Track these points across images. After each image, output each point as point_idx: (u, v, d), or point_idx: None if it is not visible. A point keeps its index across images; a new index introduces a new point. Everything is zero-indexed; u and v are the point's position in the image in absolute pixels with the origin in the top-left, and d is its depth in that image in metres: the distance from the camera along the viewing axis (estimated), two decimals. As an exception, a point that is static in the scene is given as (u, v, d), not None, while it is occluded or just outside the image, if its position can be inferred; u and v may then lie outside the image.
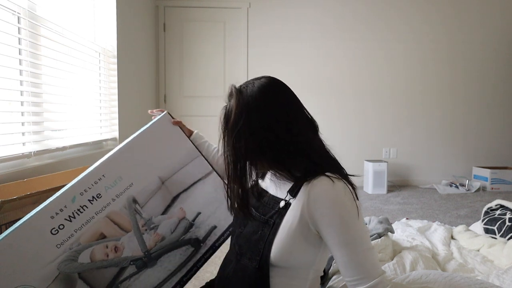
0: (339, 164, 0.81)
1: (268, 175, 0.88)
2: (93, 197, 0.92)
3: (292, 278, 0.80)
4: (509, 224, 1.61)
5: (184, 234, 1.03)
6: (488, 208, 1.85)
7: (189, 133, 1.13)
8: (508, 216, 1.65)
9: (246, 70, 3.79)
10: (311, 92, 3.80)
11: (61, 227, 0.87)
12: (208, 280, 1.07)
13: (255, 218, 0.83)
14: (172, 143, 1.06)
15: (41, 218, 0.85)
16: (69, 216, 0.88)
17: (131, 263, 0.96)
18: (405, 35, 3.86)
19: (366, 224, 1.59)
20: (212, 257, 1.08)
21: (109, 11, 2.51)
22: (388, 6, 3.83)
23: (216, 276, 0.97)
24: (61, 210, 0.87)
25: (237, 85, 0.83)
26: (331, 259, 1.26)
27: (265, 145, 0.77)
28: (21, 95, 1.61)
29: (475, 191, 3.66)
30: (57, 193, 0.89)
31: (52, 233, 0.86)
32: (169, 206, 1.02)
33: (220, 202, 1.08)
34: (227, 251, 0.95)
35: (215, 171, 1.10)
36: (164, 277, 1.00)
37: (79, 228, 0.90)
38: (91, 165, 0.96)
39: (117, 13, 2.54)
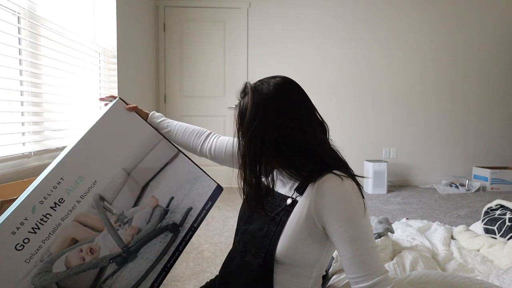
0: (347, 165, 0.82)
1: (275, 173, 0.88)
2: (55, 203, 0.86)
3: (295, 275, 0.80)
4: (509, 224, 1.61)
5: (160, 222, 1.00)
6: (488, 208, 1.85)
7: (146, 116, 1.07)
8: (508, 216, 1.65)
9: (246, 70, 3.79)
10: (311, 92, 3.71)
11: (26, 241, 0.82)
12: (208, 280, 1.06)
13: (262, 215, 0.83)
14: (131, 130, 1.00)
15: (1, 236, 0.79)
16: (33, 228, 0.83)
17: (111, 261, 0.93)
18: (405, 35, 3.86)
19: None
20: (213, 257, 1.07)
21: (109, 11, 2.51)
22: (388, 6, 3.83)
23: (217, 274, 0.97)
24: (22, 223, 0.81)
25: (252, 83, 0.83)
26: (332, 259, 1.26)
27: (280, 144, 0.77)
28: (21, 95, 1.61)
29: (475, 191, 3.66)
30: (12, 206, 0.83)
31: (17, 249, 0.81)
32: (139, 197, 0.98)
33: (191, 183, 1.03)
34: (229, 250, 0.95)
35: (181, 152, 1.05)
36: (147, 267, 0.98)
37: (47, 238, 0.84)
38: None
39: (117, 13, 2.54)
